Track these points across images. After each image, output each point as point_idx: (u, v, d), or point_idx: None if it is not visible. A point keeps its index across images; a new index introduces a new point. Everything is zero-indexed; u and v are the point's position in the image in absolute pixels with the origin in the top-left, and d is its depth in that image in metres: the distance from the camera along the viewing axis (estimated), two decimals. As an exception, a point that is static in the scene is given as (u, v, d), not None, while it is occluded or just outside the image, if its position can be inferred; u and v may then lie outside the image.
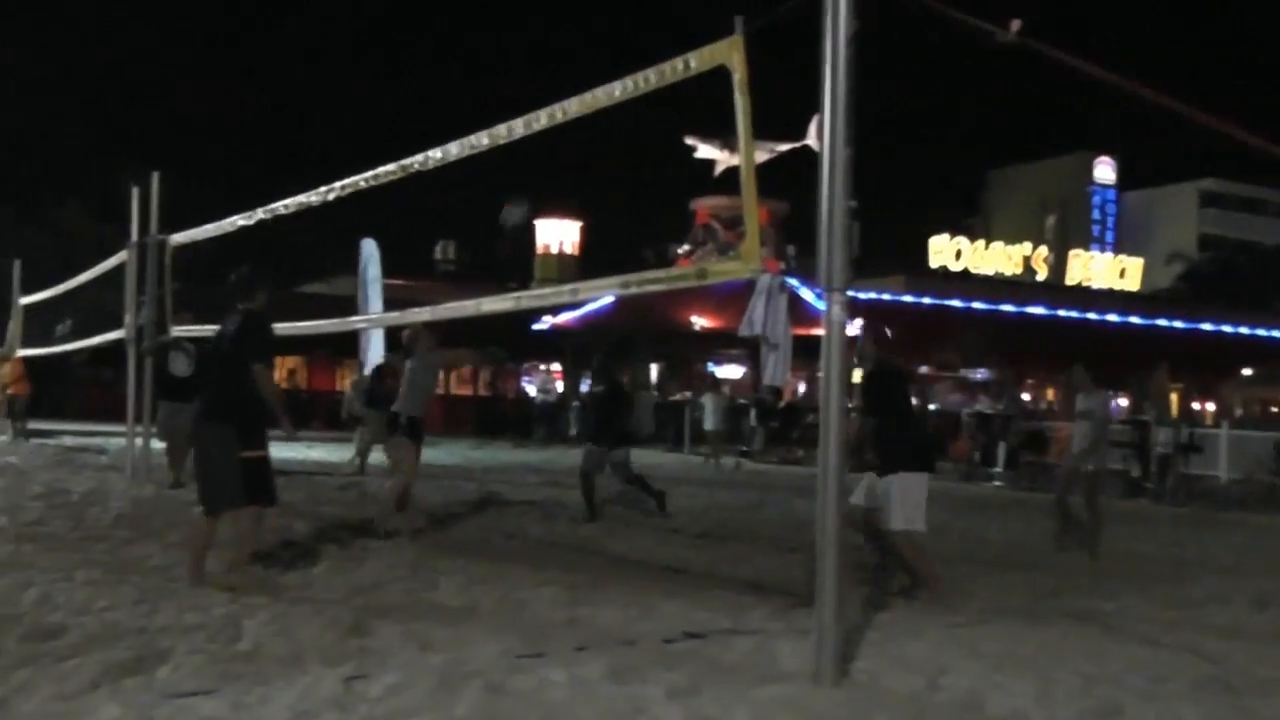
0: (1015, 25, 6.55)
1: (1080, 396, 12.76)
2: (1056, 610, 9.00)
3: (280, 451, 23.44)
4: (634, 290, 7.91)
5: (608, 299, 31.70)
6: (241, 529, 8.58)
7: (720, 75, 6.78)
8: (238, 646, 6.71)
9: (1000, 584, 10.24)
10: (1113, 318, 48.92)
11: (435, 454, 19.66)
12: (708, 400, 28.77)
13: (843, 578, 6.19)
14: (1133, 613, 8.97)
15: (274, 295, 8.97)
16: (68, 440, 24.31)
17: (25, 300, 24.62)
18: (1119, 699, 6.20)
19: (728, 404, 30.74)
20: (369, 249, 21.51)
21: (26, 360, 24.93)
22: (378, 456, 16.91)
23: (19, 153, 62.35)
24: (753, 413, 31.97)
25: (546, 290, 11.07)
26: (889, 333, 9.63)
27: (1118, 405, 44.67)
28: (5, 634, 6.79)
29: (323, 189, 11.14)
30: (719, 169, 46.34)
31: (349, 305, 26.08)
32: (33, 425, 25.75)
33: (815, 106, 5.98)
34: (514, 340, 38.48)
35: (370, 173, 10.35)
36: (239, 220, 13.10)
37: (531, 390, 42.97)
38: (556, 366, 43.66)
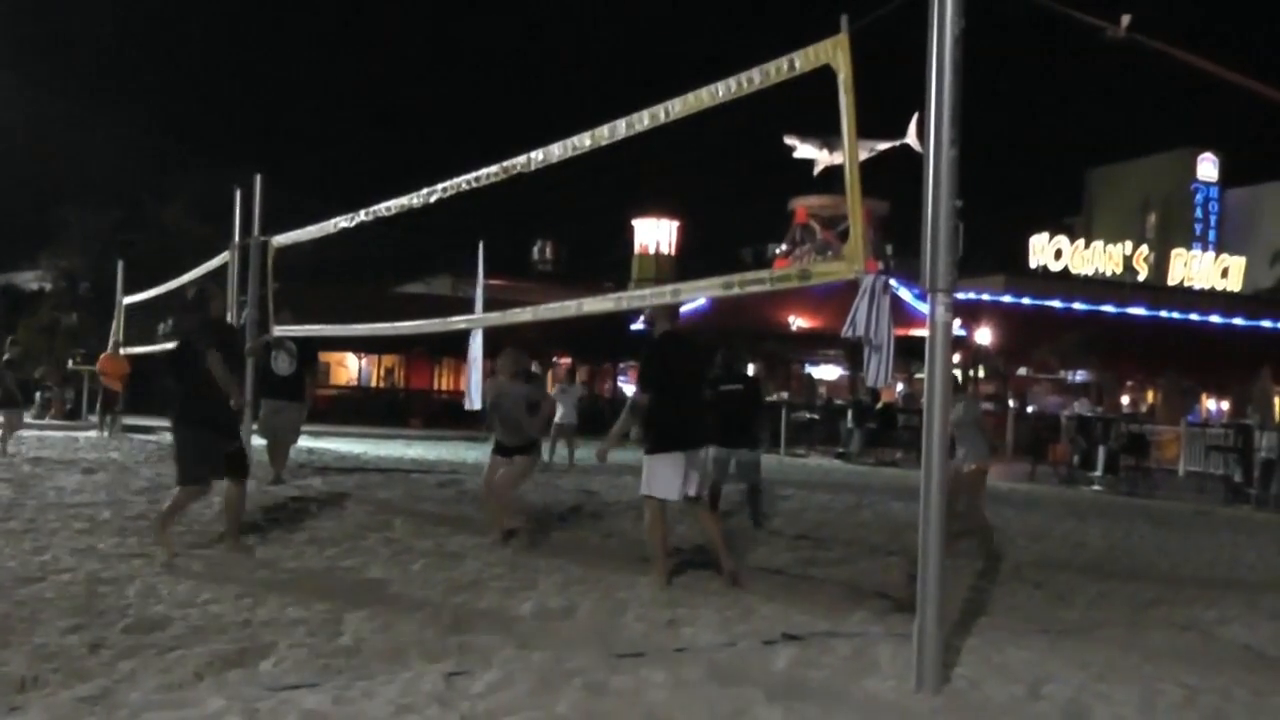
0: (1125, 21, 6.47)
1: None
2: (1159, 619, 8.88)
3: (379, 449, 23.88)
4: (736, 291, 7.88)
5: (703, 299, 31.60)
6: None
7: (820, 73, 6.72)
8: (339, 641, 6.80)
9: (1101, 591, 10.11)
10: (1215, 319, 48.13)
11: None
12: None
13: (945, 582, 6.13)
14: (1236, 622, 8.80)
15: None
16: (168, 437, 24.57)
17: (128, 300, 25.04)
18: (1224, 711, 6.10)
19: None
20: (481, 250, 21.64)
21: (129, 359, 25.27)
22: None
23: (123, 155, 63.54)
24: (850, 414, 31.76)
25: (647, 291, 11.02)
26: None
27: (1219, 409, 44.08)
28: (110, 625, 6.93)
29: (425, 191, 11.19)
30: (819, 168, 46.21)
31: (447, 305, 26.12)
32: (132, 421, 26.25)
33: (911, 103, 5.95)
34: (610, 340, 38.58)
35: (472, 175, 10.37)
36: (340, 222, 13.20)
37: (629, 389, 42.89)
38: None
